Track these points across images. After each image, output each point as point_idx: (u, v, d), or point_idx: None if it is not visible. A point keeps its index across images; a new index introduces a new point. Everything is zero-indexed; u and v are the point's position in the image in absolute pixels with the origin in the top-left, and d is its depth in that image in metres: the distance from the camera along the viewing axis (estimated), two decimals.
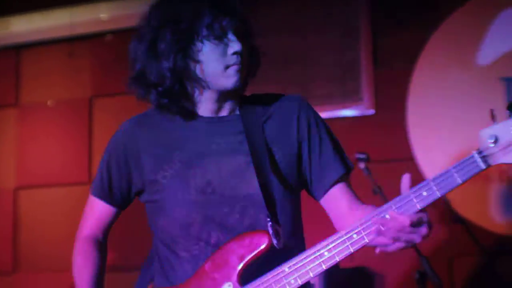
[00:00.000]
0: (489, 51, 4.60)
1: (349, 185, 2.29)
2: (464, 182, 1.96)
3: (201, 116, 2.25)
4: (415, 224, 1.95)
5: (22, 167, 5.64)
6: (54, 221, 5.39)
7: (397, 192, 2.03)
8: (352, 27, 4.92)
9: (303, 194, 2.32)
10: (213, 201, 2.18)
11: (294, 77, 4.97)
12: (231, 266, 2.09)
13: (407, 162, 4.62)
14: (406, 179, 2.00)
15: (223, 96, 2.23)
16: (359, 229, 2.02)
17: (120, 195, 2.33)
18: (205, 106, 2.25)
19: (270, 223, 2.11)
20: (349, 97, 4.86)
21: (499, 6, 4.61)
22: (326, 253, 2.03)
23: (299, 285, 2.06)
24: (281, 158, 2.22)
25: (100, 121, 5.48)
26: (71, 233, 2.45)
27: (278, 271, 2.07)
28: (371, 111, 4.83)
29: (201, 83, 2.19)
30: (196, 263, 2.16)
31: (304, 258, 2.05)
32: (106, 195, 2.34)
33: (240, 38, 2.17)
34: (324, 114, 4.63)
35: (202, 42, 2.15)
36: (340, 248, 2.03)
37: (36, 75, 5.70)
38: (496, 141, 1.94)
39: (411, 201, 1.98)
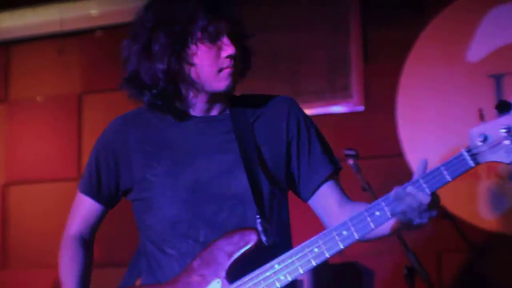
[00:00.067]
0: (478, 48, 4.62)
1: (338, 184, 2.29)
2: (453, 179, 1.98)
3: (192, 116, 2.25)
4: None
5: (11, 163, 5.62)
6: (43, 217, 5.38)
7: (386, 189, 2.04)
8: (342, 24, 4.92)
9: (292, 193, 2.33)
10: (202, 199, 2.17)
11: (284, 74, 4.97)
12: (219, 263, 2.09)
13: (396, 158, 4.63)
14: (422, 163, 2.01)
15: (214, 97, 2.23)
16: (349, 225, 2.03)
17: (108, 192, 2.32)
18: (196, 106, 2.25)
19: (259, 220, 2.12)
20: (338, 93, 4.86)
21: (489, 3, 4.63)
22: (316, 249, 2.04)
23: (289, 282, 2.06)
24: (270, 157, 2.23)
25: (90, 117, 5.47)
26: (61, 229, 2.43)
27: (268, 268, 2.07)
28: (361, 108, 4.84)
29: (195, 85, 2.19)
30: (184, 261, 2.15)
31: (294, 254, 2.06)
32: (94, 193, 2.33)
33: (234, 41, 2.17)
34: (313, 111, 4.71)
35: (196, 45, 2.15)
36: (330, 244, 2.03)
37: (26, 71, 5.68)
38: (485, 139, 1.96)
39: None
